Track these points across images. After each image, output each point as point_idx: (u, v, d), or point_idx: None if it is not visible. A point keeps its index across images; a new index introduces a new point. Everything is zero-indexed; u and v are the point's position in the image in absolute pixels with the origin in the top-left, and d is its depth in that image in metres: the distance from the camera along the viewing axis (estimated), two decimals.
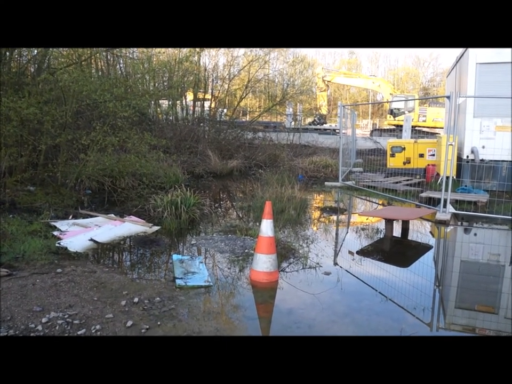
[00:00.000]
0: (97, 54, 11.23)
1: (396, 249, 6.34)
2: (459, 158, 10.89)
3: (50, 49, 8.79)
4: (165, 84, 16.44)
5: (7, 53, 8.14)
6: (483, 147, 10.70)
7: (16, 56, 8.92)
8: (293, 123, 23.46)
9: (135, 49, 14.17)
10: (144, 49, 13.92)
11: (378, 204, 9.90)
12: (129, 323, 3.46)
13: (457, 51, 13.58)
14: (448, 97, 8.03)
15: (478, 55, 10.56)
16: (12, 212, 6.72)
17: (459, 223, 8.08)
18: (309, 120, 30.25)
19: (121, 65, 15.60)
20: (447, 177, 7.91)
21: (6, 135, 7.07)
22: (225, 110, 19.04)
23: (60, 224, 6.40)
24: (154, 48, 15.29)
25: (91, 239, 5.83)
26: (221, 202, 10.02)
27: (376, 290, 4.51)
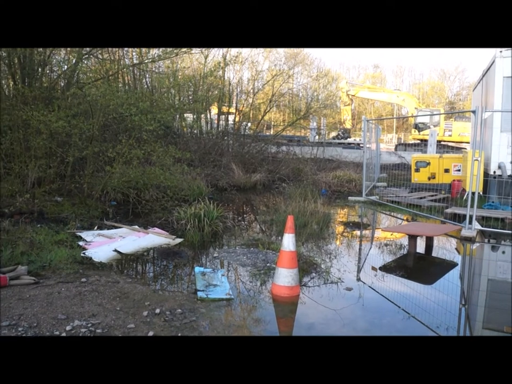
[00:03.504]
0: (124, 69, 11.50)
1: (420, 266, 6.25)
2: (486, 174, 10.71)
3: (80, 64, 9.07)
4: (190, 97, 16.69)
5: (39, 69, 8.43)
6: (511, 162, 10.50)
7: (48, 71, 9.21)
8: (316, 137, 23.44)
9: (161, 63, 14.45)
10: (170, 64, 14.19)
11: (402, 219, 9.79)
12: (151, 334, 3.49)
13: (484, 64, 13.43)
14: (473, 111, 7.94)
15: (505, 68, 10.43)
16: (39, 222, 6.90)
17: (486, 240, 7.92)
18: (333, 134, 30.20)
19: (147, 80, 15.93)
20: (473, 193, 7.77)
21: (36, 147, 7.30)
22: (249, 124, 19.19)
23: (85, 234, 6.53)
24: (179, 63, 15.60)
25: (115, 250, 5.93)
26: (244, 216, 10.05)
27: (399, 307, 4.44)
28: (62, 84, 9.75)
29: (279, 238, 6.90)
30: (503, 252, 7.45)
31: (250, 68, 20.02)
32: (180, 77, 14.29)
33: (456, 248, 7.60)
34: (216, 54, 18.84)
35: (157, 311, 3.95)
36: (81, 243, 6.10)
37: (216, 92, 17.24)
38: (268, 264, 5.54)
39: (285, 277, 4.52)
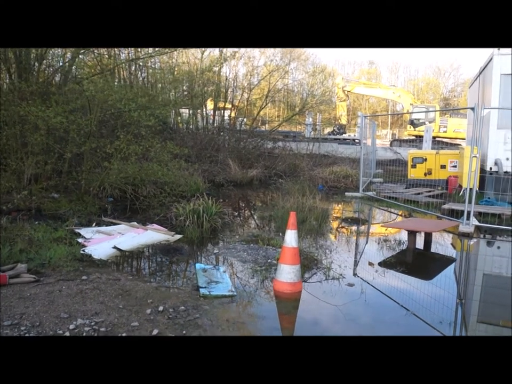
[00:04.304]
0: (122, 64, 11.42)
1: (419, 262, 6.27)
2: (482, 170, 10.74)
3: (76, 59, 8.98)
4: (185, 93, 16.60)
5: (36, 63, 8.34)
6: (507, 159, 10.54)
7: (45, 66, 9.10)
8: (312, 133, 23.41)
9: (157, 59, 14.36)
10: (167, 59, 14.10)
11: (400, 215, 9.81)
12: (155, 331, 3.48)
13: (479, 62, 13.45)
14: (472, 108, 7.95)
15: (502, 66, 10.44)
16: (37, 219, 6.84)
17: (481, 235, 7.95)
18: (328, 130, 30.16)
19: (143, 75, 15.82)
20: (471, 189, 7.80)
21: (33, 143, 7.23)
22: (245, 119, 19.12)
23: (84, 231, 6.49)
24: (176, 58, 15.52)
25: (115, 247, 5.89)
26: (242, 212, 10.04)
27: (399, 304, 4.45)
28: (59, 79, 9.65)
29: (279, 234, 6.90)
30: (498, 247, 7.52)
31: (246, 63, 19.95)
32: (176, 72, 14.20)
33: (454, 244, 7.64)
34: (212, 49, 18.75)
35: (160, 308, 3.93)
36: (80, 240, 6.05)
37: (213, 87, 17.15)
38: (269, 261, 5.54)
39: (287, 273, 4.51)
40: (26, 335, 3.34)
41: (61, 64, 9.24)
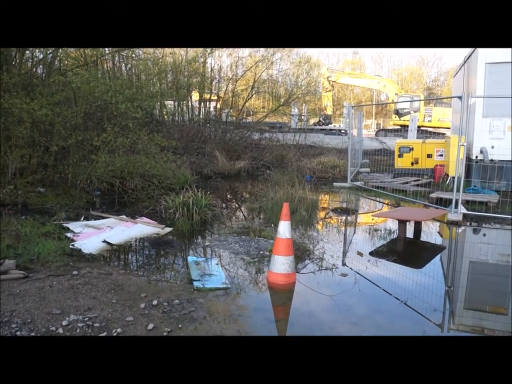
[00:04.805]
0: (108, 55, 11.21)
1: (410, 251, 6.31)
2: (468, 158, 10.83)
3: (60, 50, 8.78)
4: (169, 84, 16.40)
5: (17, 54, 8.13)
6: (492, 147, 10.64)
7: (27, 57, 8.87)
8: (298, 123, 23.36)
9: (141, 50, 14.13)
10: (151, 51, 13.89)
11: (389, 204, 9.85)
12: (151, 326, 3.43)
13: (464, 51, 13.53)
14: (460, 97, 7.98)
15: (487, 55, 10.50)
16: (24, 213, 6.70)
17: (468, 223, 8.03)
18: (314, 120, 30.12)
19: (127, 67, 15.56)
20: (458, 178, 7.85)
21: (17, 136, 7.07)
22: (230, 111, 18.97)
23: (72, 225, 6.38)
24: (162, 50, 15.30)
25: (104, 241, 5.81)
26: (232, 203, 9.99)
27: (391, 295, 4.46)
28: (42, 71, 9.44)
29: (270, 225, 6.87)
30: (484, 235, 7.65)
31: (231, 54, 19.77)
32: (160, 63, 14.01)
33: (443, 232, 7.70)
34: None
35: (154, 302, 3.88)
36: (69, 234, 5.95)
37: (198, 79, 16.98)
38: (261, 252, 5.51)
39: (281, 264, 4.49)
40: (18, 332, 3.26)
41: (43, 55, 9.01)
